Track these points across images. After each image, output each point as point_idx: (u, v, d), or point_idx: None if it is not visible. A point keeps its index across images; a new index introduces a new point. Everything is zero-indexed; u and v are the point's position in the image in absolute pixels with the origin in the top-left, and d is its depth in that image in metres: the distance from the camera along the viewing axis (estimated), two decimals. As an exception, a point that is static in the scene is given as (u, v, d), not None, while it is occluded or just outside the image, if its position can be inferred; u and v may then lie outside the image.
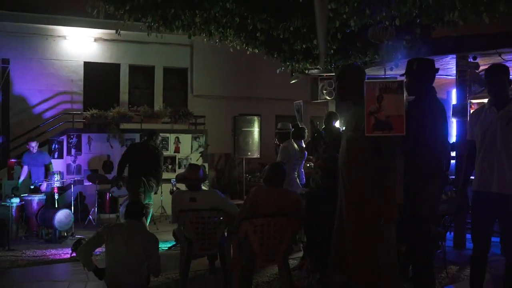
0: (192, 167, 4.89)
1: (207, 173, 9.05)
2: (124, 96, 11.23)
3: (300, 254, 5.35)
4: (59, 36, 10.56)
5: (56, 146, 9.10)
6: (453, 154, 5.97)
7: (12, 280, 5.09)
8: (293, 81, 7.97)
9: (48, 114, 10.34)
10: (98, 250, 4.51)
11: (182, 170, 8.93)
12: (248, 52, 6.40)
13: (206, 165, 9.38)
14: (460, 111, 6.31)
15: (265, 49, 6.33)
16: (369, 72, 6.77)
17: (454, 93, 7.22)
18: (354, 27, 4.93)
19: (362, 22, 4.76)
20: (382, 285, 3.11)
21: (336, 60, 6.07)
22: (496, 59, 6.42)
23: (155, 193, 7.42)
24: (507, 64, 4.05)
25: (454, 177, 5.88)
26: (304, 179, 6.63)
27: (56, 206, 7.29)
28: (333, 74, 7.20)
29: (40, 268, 5.62)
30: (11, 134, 10.08)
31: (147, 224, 6.52)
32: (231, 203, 4.92)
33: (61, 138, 9.10)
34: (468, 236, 6.32)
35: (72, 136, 9.11)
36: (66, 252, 6.23)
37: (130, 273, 3.82)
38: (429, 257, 3.49)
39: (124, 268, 3.81)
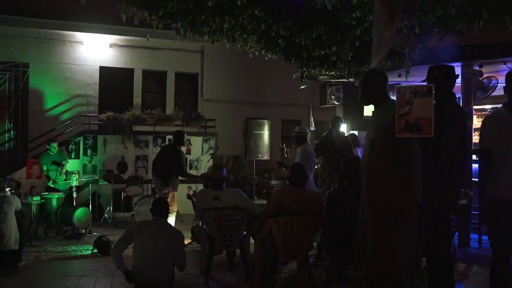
0: (216, 167, 5.06)
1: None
2: (137, 99, 11.55)
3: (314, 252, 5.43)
4: (76, 42, 10.90)
5: (73, 147, 9.42)
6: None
7: (40, 274, 5.24)
8: (302, 87, 8.24)
9: (65, 116, 10.65)
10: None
11: (193, 172, 9.26)
12: (266, 58, 6.57)
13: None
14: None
15: (283, 55, 6.47)
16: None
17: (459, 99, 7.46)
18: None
19: None
20: (399, 281, 3.26)
21: (351, 67, 6.28)
22: (500, 67, 6.67)
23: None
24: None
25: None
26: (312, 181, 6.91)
27: (74, 204, 7.62)
28: (344, 80, 7.43)
29: (64, 263, 5.85)
30: (29, 135, 10.41)
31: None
32: (253, 203, 5.07)
33: (77, 139, 9.44)
34: (473, 236, 6.57)
35: (88, 138, 9.45)
36: (86, 249, 6.49)
37: (157, 269, 3.98)
38: (450, 254, 3.60)
39: (151, 264, 3.97)
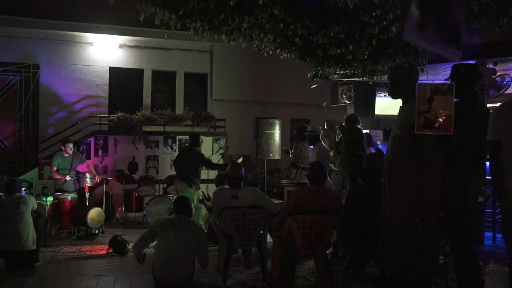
0: (235, 165, 5.03)
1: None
2: (147, 100, 11.60)
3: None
4: (86, 43, 10.95)
5: (84, 147, 9.46)
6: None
7: (58, 274, 5.26)
8: (313, 86, 8.24)
9: (75, 117, 10.69)
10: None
11: (203, 172, 9.26)
12: (281, 57, 6.57)
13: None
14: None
15: (298, 54, 6.46)
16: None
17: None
18: (394, 34, 5.03)
19: (399, 29, 4.87)
20: (418, 279, 3.25)
21: (366, 65, 6.27)
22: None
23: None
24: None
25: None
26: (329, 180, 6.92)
27: (87, 204, 7.65)
28: (356, 79, 7.43)
29: (80, 262, 5.88)
30: (40, 136, 10.47)
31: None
32: (271, 201, 5.09)
33: (88, 139, 9.48)
34: (487, 234, 6.56)
35: (99, 138, 9.49)
36: (101, 248, 6.53)
37: (178, 266, 4.01)
38: (473, 250, 3.59)
39: (173, 261, 4.00)
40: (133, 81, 11.52)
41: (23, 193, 6.67)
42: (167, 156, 9.81)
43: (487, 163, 3.52)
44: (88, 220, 7.26)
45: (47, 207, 7.14)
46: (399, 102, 3.53)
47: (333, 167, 6.70)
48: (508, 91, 6.99)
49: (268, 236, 5.17)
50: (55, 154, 8.11)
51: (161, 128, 9.98)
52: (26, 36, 10.38)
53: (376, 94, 8.25)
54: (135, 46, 11.32)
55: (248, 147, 10.34)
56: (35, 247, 5.52)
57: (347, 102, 8.18)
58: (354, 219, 4.08)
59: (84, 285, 4.78)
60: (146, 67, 11.58)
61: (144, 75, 11.62)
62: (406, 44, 5.70)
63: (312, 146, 6.38)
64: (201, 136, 7.67)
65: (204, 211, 7.19)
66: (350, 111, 8.28)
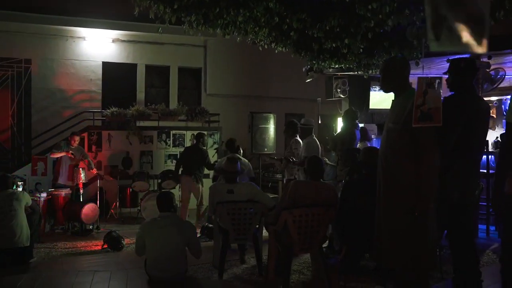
0: (230, 160, 5.02)
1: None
2: (140, 95, 11.54)
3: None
4: (79, 37, 10.86)
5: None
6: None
7: (53, 270, 5.22)
8: (308, 80, 8.22)
9: (68, 112, 10.61)
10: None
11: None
12: (276, 51, 6.53)
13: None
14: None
15: (293, 48, 6.43)
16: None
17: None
18: (389, 27, 5.04)
19: (395, 22, 4.89)
20: (416, 272, 3.25)
21: (361, 59, 6.26)
22: (505, 59, 6.67)
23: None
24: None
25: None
26: None
27: (81, 200, 7.61)
28: (350, 73, 7.42)
29: (75, 259, 5.85)
30: (32, 131, 10.38)
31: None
32: (267, 195, 5.08)
33: (82, 135, 9.40)
34: (481, 226, 6.60)
35: (92, 133, 9.43)
36: (96, 244, 6.50)
37: (172, 264, 3.99)
38: (474, 244, 3.60)
39: (165, 260, 3.98)
40: (126, 76, 11.46)
41: (20, 187, 6.65)
42: (161, 151, 9.78)
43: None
44: (83, 216, 7.22)
45: (41, 203, 7.11)
46: (392, 96, 3.52)
47: (327, 162, 6.69)
48: (502, 85, 7.01)
49: (264, 230, 5.18)
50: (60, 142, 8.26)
51: (155, 123, 9.93)
52: (17, 31, 10.28)
53: (371, 88, 8.25)
54: (129, 41, 11.24)
55: (243, 142, 10.30)
56: (29, 244, 5.47)
57: (341, 96, 8.17)
58: (349, 212, 4.09)
59: (79, 281, 4.73)
60: (140, 62, 11.51)
61: (138, 70, 11.56)
62: (401, 37, 5.70)
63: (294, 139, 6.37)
64: (206, 135, 8.00)
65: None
66: (345, 105, 8.28)
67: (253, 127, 8.90)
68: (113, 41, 11.14)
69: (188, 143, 9.90)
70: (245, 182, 4.99)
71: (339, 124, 8.08)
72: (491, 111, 6.08)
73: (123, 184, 8.82)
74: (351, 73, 7.60)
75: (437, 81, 3.13)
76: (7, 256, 5.32)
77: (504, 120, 7.18)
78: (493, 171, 5.44)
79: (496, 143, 8.16)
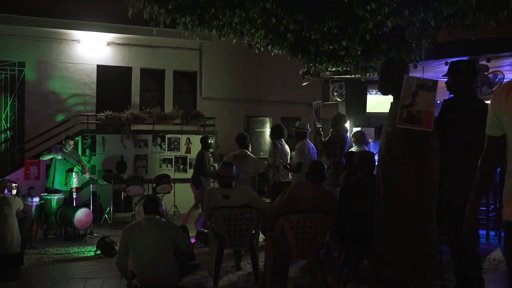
0: (225, 164, 4.91)
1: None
2: (135, 98, 11.45)
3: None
4: (73, 40, 10.77)
5: (71, 147, 9.26)
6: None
7: (44, 278, 5.08)
8: (304, 83, 8.15)
9: (62, 116, 10.50)
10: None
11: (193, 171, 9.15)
12: (272, 54, 6.46)
13: (216, 165, 9.58)
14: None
15: (290, 50, 6.36)
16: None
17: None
18: (388, 28, 4.97)
19: (394, 23, 4.83)
20: (418, 277, 3.19)
21: (358, 62, 6.19)
22: (503, 62, 6.63)
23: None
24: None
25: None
26: None
27: (74, 205, 7.49)
28: (347, 76, 7.35)
29: (67, 265, 5.72)
30: (26, 135, 10.26)
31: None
32: (263, 200, 4.97)
33: (76, 139, 9.28)
34: (480, 232, 6.53)
35: (86, 137, 9.31)
36: (89, 250, 6.37)
37: (160, 267, 3.89)
38: (476, 249, 3.54)
39: (152, 263, 3.88)
40: (121, 79, 11.36)
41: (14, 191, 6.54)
42: (156, 155, 9.68)
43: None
44: (76, 221, 7.09)
45: (33, 208, 6.99)
46: (390, 99, 3.47)
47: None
48: (499, 88, 6.95)
49: (261, 236, 5.08)
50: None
51: (150, 127, 9.82)
52: (11, 33, 10.18)
53: (368, 91, 8.19)
54: (123, 44, 11.15)
55: (237, 146, 10.21)
56: (19, 250, 5.35)
57: (338, 99, 8.09)
58: (347, 216, 4.01)
59: (70, 288, 4.64)
60: (135, 65, 11.43)
61: (133, 73, 11.46)
62: (399, 39, 5.64)
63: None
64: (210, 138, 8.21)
65: None
66: (342, 108, 8.21)
67: (249, 130, 8.89)
68: (108, 44, 11.06)
69: (183, 148, 9.81)
70: (240, 187, 4.88)
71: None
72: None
73: (117, 188, 8.70)
74: (348, 76, 7.53)
75: (432, 83, 3.07)
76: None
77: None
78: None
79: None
